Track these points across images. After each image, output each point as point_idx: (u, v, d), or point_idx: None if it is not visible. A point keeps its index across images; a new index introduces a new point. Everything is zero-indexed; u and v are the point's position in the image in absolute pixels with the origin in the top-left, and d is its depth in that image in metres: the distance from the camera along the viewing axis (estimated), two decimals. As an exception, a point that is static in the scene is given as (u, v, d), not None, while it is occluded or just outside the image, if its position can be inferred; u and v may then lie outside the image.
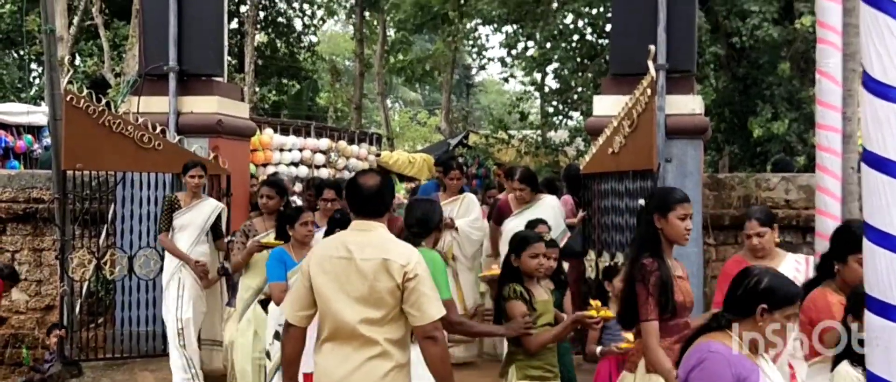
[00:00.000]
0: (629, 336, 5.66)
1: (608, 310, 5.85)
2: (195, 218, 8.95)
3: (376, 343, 4.60)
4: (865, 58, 3.69)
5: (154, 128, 9.75)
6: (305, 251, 6.70)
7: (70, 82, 9.71)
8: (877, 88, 3.64)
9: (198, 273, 8.85)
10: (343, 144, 18.94)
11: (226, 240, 9.18)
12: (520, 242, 6.03)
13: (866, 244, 3.78)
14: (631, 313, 5.08)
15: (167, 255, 9.05)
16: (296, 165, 16.88)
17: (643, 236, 5.25)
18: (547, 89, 20.58)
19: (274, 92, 33.02)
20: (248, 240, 8.24)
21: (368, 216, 4.80)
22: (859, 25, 3.85)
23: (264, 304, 7.66)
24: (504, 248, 8.16)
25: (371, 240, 4.70)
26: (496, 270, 6.93)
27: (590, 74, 16.17)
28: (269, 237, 8.03)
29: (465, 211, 9.96)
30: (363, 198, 4.81)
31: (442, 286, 5.16)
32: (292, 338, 4.82)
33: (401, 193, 19.52)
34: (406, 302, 4.59)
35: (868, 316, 3.83)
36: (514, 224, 9.09)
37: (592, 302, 5.90)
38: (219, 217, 9.15)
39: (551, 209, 9.54)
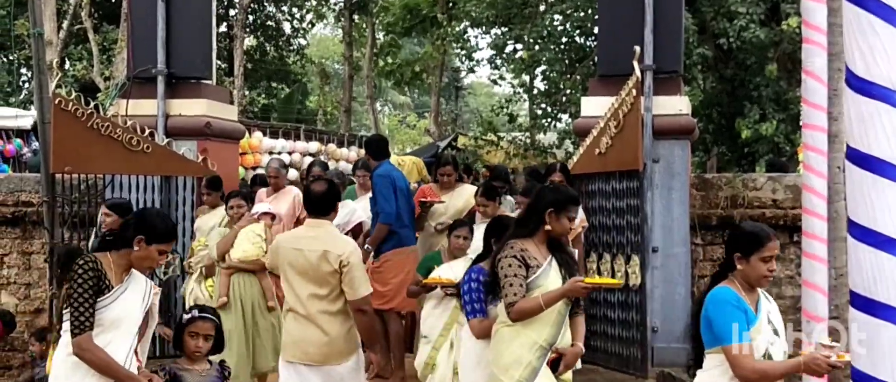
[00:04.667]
0: None
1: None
2: None
3: (316, 318, 6.02)
4: (848, 55, 3.71)
5: (142, 131, 9.72)
6: (754, 296, 4.89)
7: (59, 86, 9.69)
8: (860, 85, 3.66)
9: None
10: (332, 147, 19.00)
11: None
12: None
13: (850, 241, 3.80)
14: None
15: None
16: (285, 168, 16.88)
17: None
18: (535, 91, 20.62)
19: (263, 95, 32.97)
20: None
21: (318, 215, 6.21)
22: (843, 25, 3.88)
23: None
24: None
25: (318, 235, 6.11)
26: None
27: (578, 76, 16.21)
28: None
29: None
30: (313, 201, 6.24)
31: None
32: None
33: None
34: (343, 283, 5.98)
35: (853, 313, 3.86)
36: None
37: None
38: None
39: None
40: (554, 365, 5.54)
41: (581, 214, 8.48)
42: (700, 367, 4.90)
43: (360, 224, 9.45)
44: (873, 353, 3.78)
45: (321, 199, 6.20)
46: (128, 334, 5.12)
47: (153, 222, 5.17)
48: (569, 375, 5.87)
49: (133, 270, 5.21)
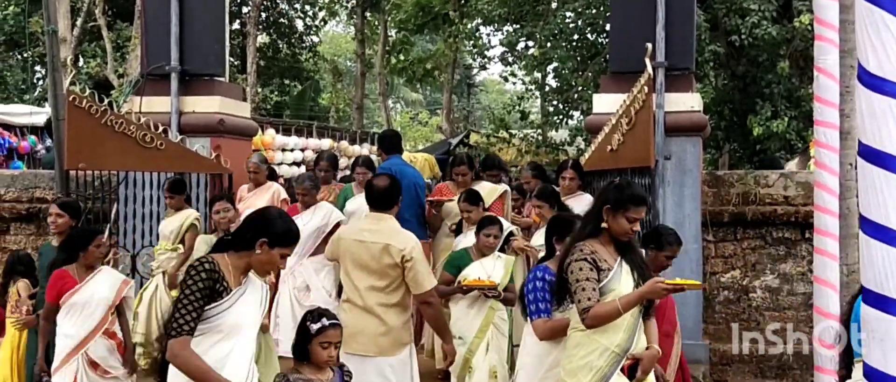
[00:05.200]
0: None
1: None
2: None
3: (374, 309, 6.15)
4: (860, 52, 3.71)
5: (156, 128, 9.76)
6: None
7: (73, 83, 9.74)
8: (872, 81, 3.66)
9: None
10: (345, 144, 19.06)
11: None
12: None
13: (862, 237, 3.80)
14: None
15: None
16: (298, 165, 16.95)
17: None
18: (547, 88, 20.63)
19: (276, 93, 33.08)
20: None
21: (380, 209, 6.32)
22: (856, 21, 3.88)
23: None
24: None
25: (381, 228, 6.25)
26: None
27: (590, 73, 16.21)
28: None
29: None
30: (375, 195, 6.35)
31: None
32: None
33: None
34: (407, 277, 6.14)
35: (865, 309, 3.85)
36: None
37: None
38: None
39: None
40: (631, 372, 5.20)
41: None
42: (848, 378, 4.67)
43: (338, 225, 8.87)
44: (885, 349, 3.77)
45: (383, 193, 6.35)
46: (248, 340, 4.78)
47: (276, 225, 4.79)
48: (652, 379, 5.42)
49: (250, 273, 4.84)
